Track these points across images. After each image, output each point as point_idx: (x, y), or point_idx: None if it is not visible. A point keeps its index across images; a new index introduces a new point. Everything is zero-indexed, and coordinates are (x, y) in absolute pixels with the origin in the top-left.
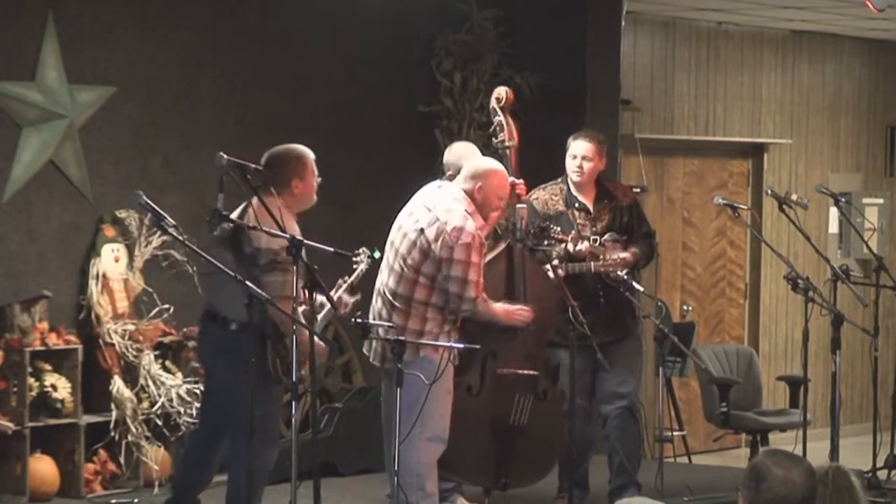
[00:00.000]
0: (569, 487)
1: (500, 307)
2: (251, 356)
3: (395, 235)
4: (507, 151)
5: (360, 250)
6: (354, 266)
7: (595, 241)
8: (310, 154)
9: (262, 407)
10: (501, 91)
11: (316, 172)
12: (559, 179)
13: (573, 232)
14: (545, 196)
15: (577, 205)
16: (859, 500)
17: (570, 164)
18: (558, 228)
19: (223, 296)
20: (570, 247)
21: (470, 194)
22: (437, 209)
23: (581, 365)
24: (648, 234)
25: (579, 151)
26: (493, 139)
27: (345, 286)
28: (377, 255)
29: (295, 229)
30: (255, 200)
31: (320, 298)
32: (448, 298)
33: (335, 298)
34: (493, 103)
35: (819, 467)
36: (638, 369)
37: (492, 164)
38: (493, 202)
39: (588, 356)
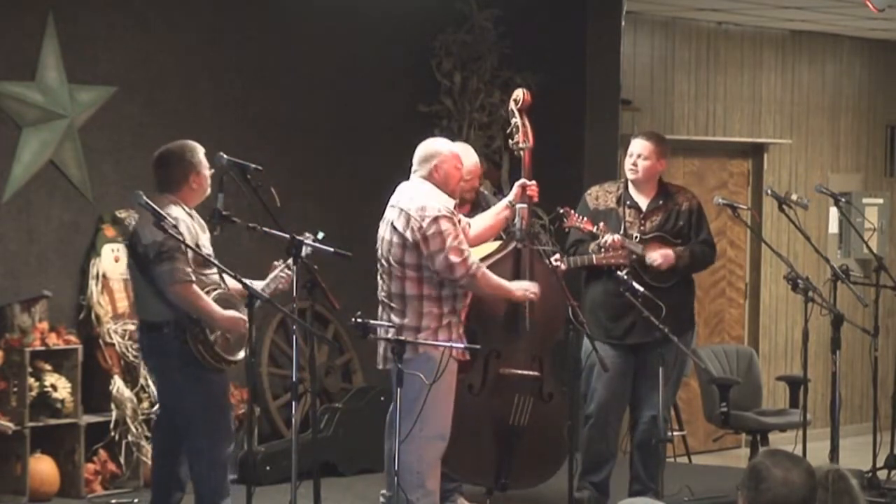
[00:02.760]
0: (569, 489)
1: (504, 280)
2: (252, 356)
3: (378, 243)
4: (522, 153)
5: (305, 233)
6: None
7: (634, 237)
8: (200, 147)
9: (205, 400)
10: (519, 93)
11: (207, 164)
12: (623, 178)
13: (601, 224)
14: (599, 192)
15: (628, 202)
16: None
17: (627, 162)
18: (582, 217)
19: (146, 303)
20: (601, 239)
21: (428, 177)
22: (400, 202)
23: (621, 366)
24: (705, 242)
25: (635, 149)
26: (510, 140)
27: (280, 266)
28: (321, 235)
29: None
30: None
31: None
32: (441, 279)
33: (273, 276)
34: (511, 105)
35: (817, 468)
36: (674, 378)
37: (437, 142)
38: (455, 174)
39: (627, 358)
